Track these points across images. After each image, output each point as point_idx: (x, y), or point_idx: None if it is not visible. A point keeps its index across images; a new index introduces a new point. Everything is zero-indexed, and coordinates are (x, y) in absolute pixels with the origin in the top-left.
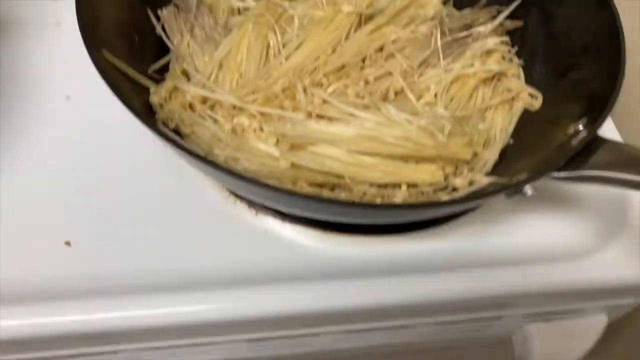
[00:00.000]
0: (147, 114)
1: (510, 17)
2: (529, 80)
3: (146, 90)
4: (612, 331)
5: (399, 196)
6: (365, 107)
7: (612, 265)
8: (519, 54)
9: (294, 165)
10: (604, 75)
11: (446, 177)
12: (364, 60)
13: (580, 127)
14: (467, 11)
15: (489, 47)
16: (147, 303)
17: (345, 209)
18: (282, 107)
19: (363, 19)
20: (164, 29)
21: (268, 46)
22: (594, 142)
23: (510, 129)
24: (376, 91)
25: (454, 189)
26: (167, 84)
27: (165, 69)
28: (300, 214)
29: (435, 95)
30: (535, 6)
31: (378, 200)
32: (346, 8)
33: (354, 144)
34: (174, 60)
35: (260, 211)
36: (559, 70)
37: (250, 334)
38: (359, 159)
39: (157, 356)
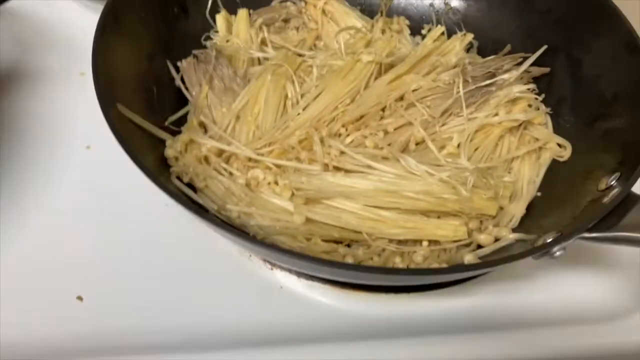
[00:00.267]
0: (161, 168)
1: (537, 63)
2: (557, 129)
3: (163, 143)
4: None
5: (419, 254)
6: (384, 159)
7: None
8: (546, 102)
9: (308, 220)
10: (636, 127)
11: (470, 233)
12: (383, 110)
13: (613, 181)
14: (490, 58)
15: (514, 95)
16: None
17: (358, 274)
18: (298, 159)
19: (383, 68)
20: (183, 80)
21: (286, 97)
22: (628, 200)
23: (538, 180)
24: (396, 142)
25: (479, 246)
26: (183, 137)
27: (184, 120)
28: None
29: (459, 146)
30: (563, 52)
31: (397, 260)
32: (365, 57)
33: (371, 197)
34: (192, 112)
35: (276, 266)
36: (589, 118)
37: None
38: (377, 214)
39: None
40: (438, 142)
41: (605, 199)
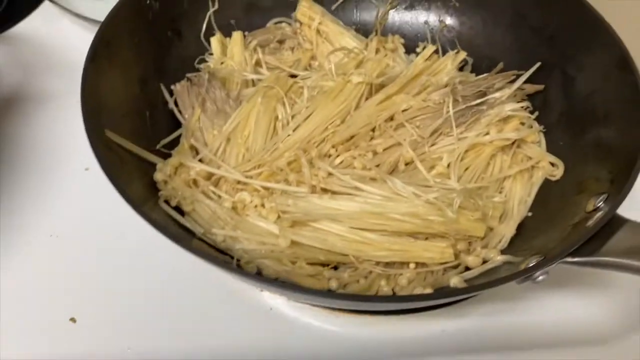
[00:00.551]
0: (152, 191)
1: (531, 80)
2: (551, 148)
3: (154, 166)
4: None
5: (405, 277)
6: (372, 180)
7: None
8: (540, 119)
9: (294, 243)
10: (626, 147)
11: (458, 255)
12: (373, 130)
13: (601, 203)
14: (482, 77)
15: (505, 113)
16: None
17: (343, 302)
18: (287, 181)
19: (374, 88)
20: (177, 103)
21: (276, 118)
22: (613, 223)
23: (530, 200)
24: (385, 162)
25: (467, 268)
26: (173, 160)
27: (179, 142)
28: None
29: (449, 165)
30: (557, 69)
31: (383, 283)
32: (355, 78)
33: (357, 220)
34: (184, 135)
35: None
36: (581, 137)
37: None
38: (363, 236)
39: None
40: (428, 162)
41: (590, 222)
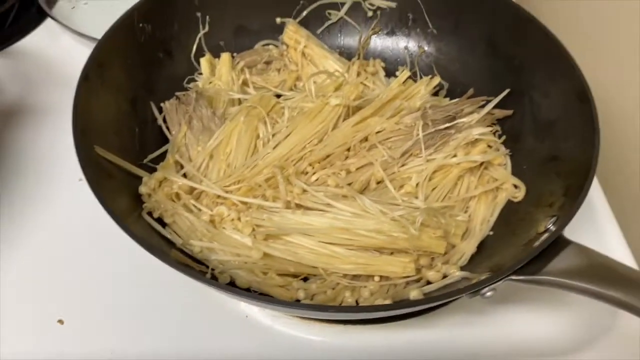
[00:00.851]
0: (137, 203)
1: (503, 106)
2: (515, 171)
3: (141, 180)
4: None
5: (368, 289)
6: (344, 197)
7: None
8: (506, 143)
9: (266, 255)
10: (578, 173)
11: (420, 270)
12: (349, 150)
13: (550, 225)
14: (452, 102)
15: (473, 137)
16: None
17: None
18: (264, 196)
19: (351, 110)
20: (165, 120)
21: (258, 137)
22: (559, 244)
23: (492, 220)
24: (357, 181)
25: (428, 282)
26: (157, 175)
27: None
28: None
29: (417, 185)
30: (526, 96)
31: (347, 294)
32: (333, 101)
33: (327, 234)
34: (170, 150)
35: None
36: (543, 161)
37: None
38: (331, 250)
39: None
40: (398, 181)
41: (536, 243)
